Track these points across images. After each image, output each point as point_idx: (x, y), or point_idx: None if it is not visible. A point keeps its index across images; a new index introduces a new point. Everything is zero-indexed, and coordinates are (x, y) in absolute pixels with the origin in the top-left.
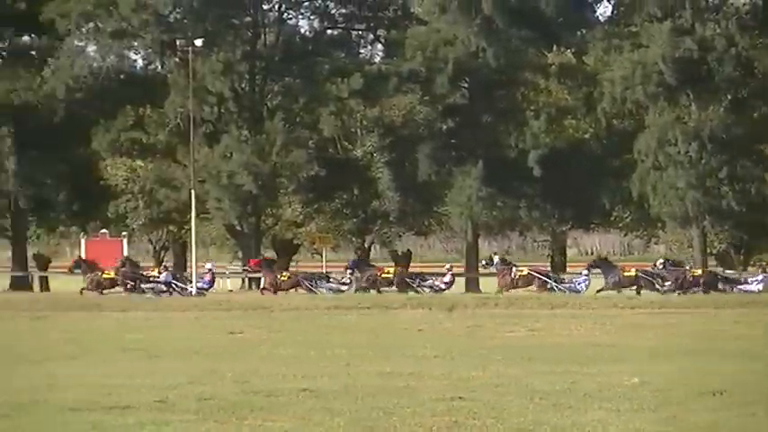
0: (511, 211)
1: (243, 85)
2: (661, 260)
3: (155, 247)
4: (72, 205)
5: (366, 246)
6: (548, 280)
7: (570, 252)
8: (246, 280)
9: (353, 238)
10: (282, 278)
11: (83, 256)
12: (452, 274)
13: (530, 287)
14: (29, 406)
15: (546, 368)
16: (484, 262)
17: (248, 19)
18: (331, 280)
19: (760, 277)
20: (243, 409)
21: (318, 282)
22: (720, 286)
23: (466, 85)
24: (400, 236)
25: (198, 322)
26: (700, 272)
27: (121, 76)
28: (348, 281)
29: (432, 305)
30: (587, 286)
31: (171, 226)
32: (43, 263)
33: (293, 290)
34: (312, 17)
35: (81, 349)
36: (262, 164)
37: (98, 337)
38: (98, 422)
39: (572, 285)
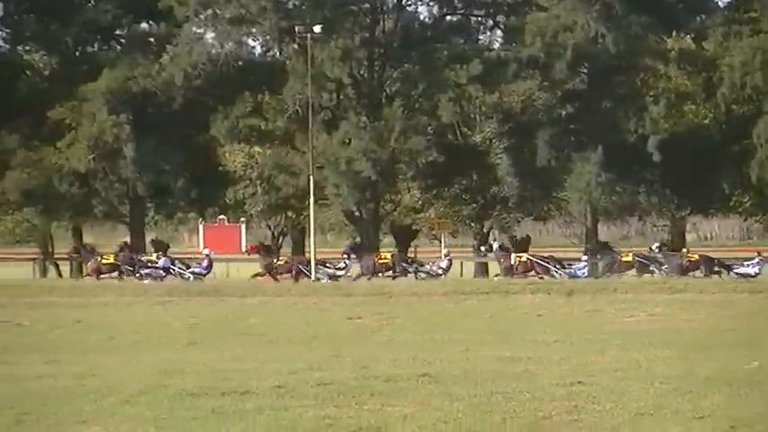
0: (630, 197)
1: (361, 72)
2: (657, 244)
3: (273, 233)
4: (190, 192)
5: (485, 231)
6: (548, 266)
7: (689, 237)
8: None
9: (472, 224)
10: (279, 263)
11: (202, 242)
12: (450, 259)
13: (530, 273)
14: (150, 390)
15: (666, 353)
16: (483, 249)
17: (367, 5)
18: (327, 265)
19: (756, 260)
20: (362, 394)
21: (317, 267)
22: (717, 270)
23: (585, 71)
24: (519, 221)
25: (316, 308)
26: (696, 256)
27: (239, 63)
28: (344, 266)
29: (551, 290)
30: (589, 272)
31: (289, 212)
32: (162, 249)
33: (288, 275)
34: (431, 3)
35: (199, 335)
36: (380, 150)
37: (216, 323)
38: (217, 407)
39: (572, 272)
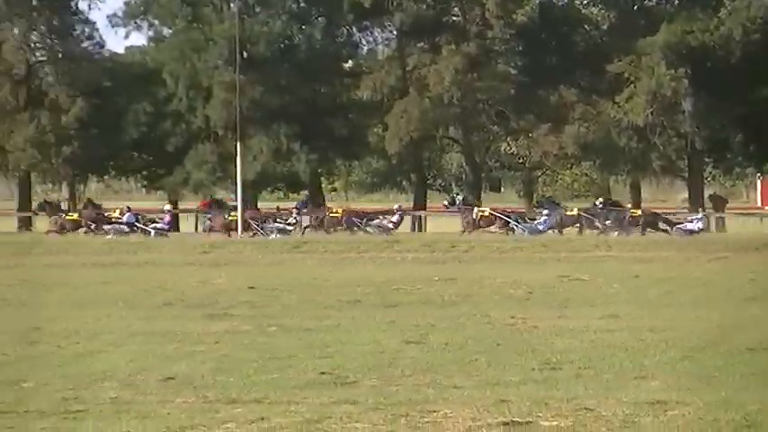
0: None
1: None
2: (600, 200)
3: None
4: (749, 146)
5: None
6: (509, 220)
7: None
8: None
9: None
10: (232, 218)
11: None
12: (401, 214)
13: (491, 227)
14: (708, 346)
15: None
16: (446, 202)
17: None
18: (278, 221)
19: (699, 215)
20: None
21: (266, 222)
22: (661, 226)
23: None
24: None
25: None
26: (639, 212)
27: None
28: (294, 221)
29: None
30: (548, 227)
31: None
32: (720, 204)
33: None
34: None
35: (760, 290)
36: None
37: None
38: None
39: (532, 226)
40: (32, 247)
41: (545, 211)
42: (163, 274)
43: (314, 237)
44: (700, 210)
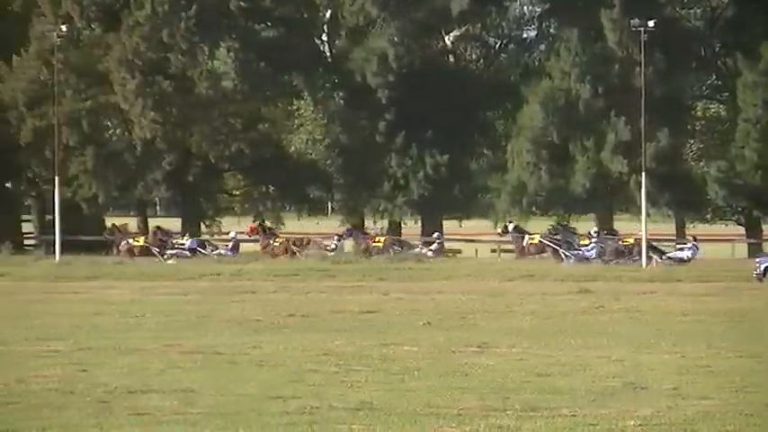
0: None
1: None
2: (595, 228)
3: None
4: None
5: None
6: (557, 248)
7: None
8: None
9: None
10: (275, 243)
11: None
12: (440, 243)
13: (542, 254)
14: None
15: None
16: (500, 230)
17: None
18: (321, 246)
19: (689, 245)
20: None
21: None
22: (651, 255)
23: None
24: None
25: None
26: (632, 240)
27: None
28: (334, 246)
29: None
30: (597, 254)
31: None
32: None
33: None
34: None
35: None
36: None
37: None
38: None
39: (580, 253)
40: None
41: (593, 240)
42: None
43: None
44: (690, 238)
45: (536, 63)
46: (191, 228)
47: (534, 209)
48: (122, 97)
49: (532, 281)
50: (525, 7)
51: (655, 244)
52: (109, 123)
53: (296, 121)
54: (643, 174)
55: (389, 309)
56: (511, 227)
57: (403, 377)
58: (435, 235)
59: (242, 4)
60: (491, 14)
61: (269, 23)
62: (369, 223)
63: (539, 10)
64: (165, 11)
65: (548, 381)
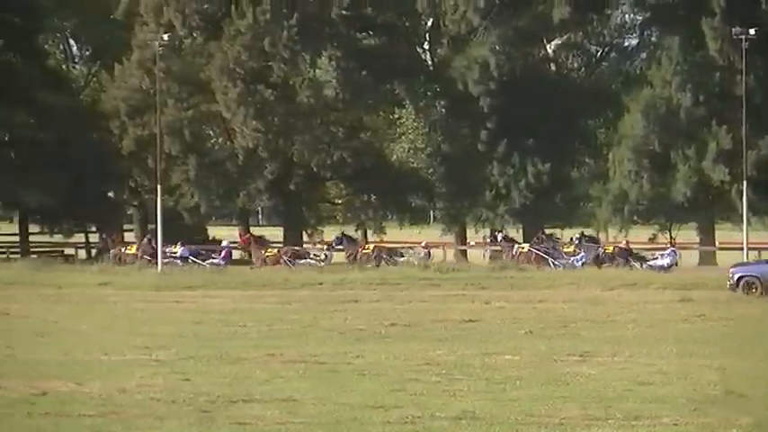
0: None
1: None
2: (577, 235)
3: None
4: None
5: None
6: (545, 257)
7: None
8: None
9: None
10: (268, 254)
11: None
12: (429, 250)
13: (529, 263)
14: None
15: None
16: (489, 239)
17: None
18: (312, 256)
19: (668, 251)
20: None
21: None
22: (631, 262)
23: None
24: None
25: None
26: (612, 248)
27: None
28: (324, 256)
29: None
30: (584, 263)
31: None
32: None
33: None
34: None
35: None
36: None
37: None
38: None
39: (568, 262)
40: None
41: (583, 251)
42: None
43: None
44: (669, 245)
45: (637, 71)
46: (292, 236)
47: (635, 218)
48: (224, 106)
49: (634, 289)
50: (626, 15)
51: (636, 251)
52: (211, 132)
53: (398, 129)
54: (744, 182)
55: (491, 318)
56: (500, 236)
57: (504, 386)
58: (423, 243)
59: (344, 12)
60: (592, 22)
61: (371, 32)
62: (470, 232)
63: (640, 18)
64: (267, 19)
65: (649, 389)
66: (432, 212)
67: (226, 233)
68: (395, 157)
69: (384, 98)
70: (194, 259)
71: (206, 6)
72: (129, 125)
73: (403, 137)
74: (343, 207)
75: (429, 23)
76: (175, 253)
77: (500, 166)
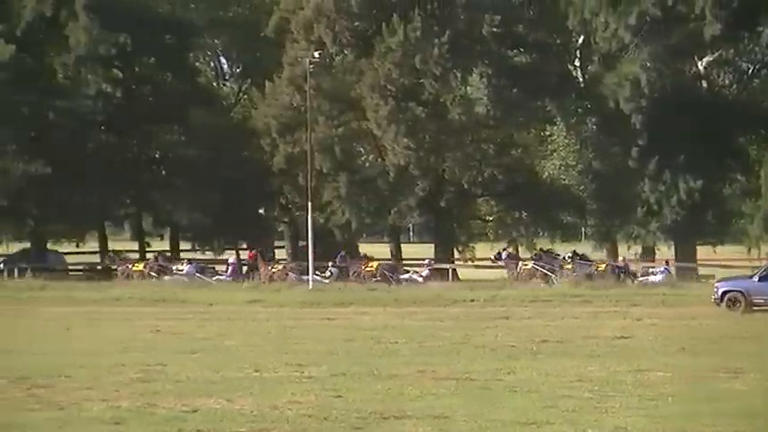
0: None
1: None
2: (569, 253)
3: None
4: None
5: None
6: (550, 274)
7: None
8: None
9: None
10: (274, 270)
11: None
12: (431, 269)
13: (533, 279)
14: None
15: None
16: (493, 256)
17: None
18: (316, 272)
19: (661, 269)
20: None
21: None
22: (622, 278)
23: None
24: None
25: None
26: (604, 266)
27: None
28: (329, 273)
29: None
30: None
31: None
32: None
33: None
34: None
35: None
36: None
37: None
38: None
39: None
40: None
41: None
42: None
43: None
44: (663, 262)
45: None
46: (443, 253)
47: None
48: (375, 123)
49: None
50: None
51: (628, 267)
52: (361, 149)
53: (549, 146)
54: None
55: (642, 334)
56: (504, 254)
57: (657, 403)
58: (426, 261)
59: (495, 29)
60: (744, 39)
61: (521, 49)
62: (622, 249)
63: None
64: (418, 37)
65: None
66: (583, 229)
67: (377, 250)
68: (546, 173)
69: (535, 115)
70: (201, 276)
71: (357, 24)
72: (279, 142)
73: (554, 153)
74: (495, 224)
75: (580, 41)
76: (182, 270)
77: (651, 183)
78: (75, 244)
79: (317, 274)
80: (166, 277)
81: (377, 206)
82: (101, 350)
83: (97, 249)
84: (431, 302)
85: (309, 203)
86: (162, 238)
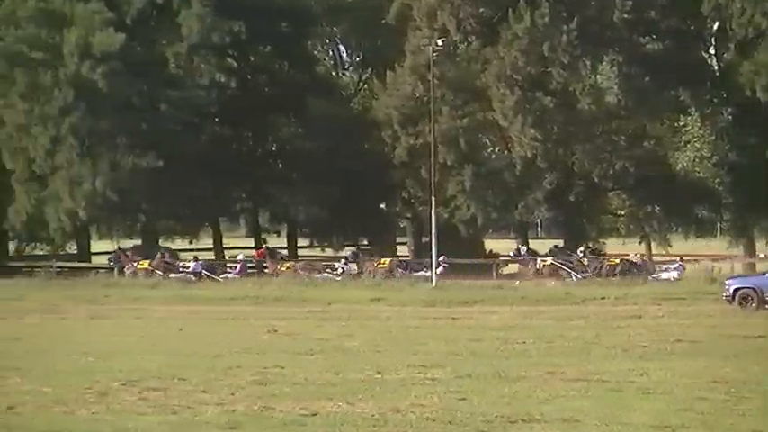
0: None
1: None
2: (582, 248)
3: None
4: None
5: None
6: (569, 270)
7: None
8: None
9: None
10: (284, 267)
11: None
12: (445, 265)
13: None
14: None
15: None
16: (512, 253)
17: None
18: (327, 270)
19: (675, 265)
20: None
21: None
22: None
23: None
24: None
25: None
26: (617, 261)
27: None
28: (341, 270)
29: None
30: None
31: None
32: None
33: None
34: None
35: None
36: None
37: None
38: None
39: (588, 273)
40: None
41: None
42: None
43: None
44: (677, 259)
45: None
46: (570, 249)
47: None
48: (501, 114)
49: None
50: None
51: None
52: (487, 141)
53: (682, 137)
54: None
55: None
56: (523, 250)
57: None
58: (441, 258)
59: (626, 16)
60: None
61: (654, 36)
62: (759, 245)
63: None
64: (546, 23)
65: None
66: (718, 224)
67: (501, 245)
68: (680, 166)
69: (668, 105)
70: (208, 273)
71: (482, 10)
72: (401, 134)
73: (688, 145)
74: (626, 219)
75: (715, 27)
76: (188, 268)
77: None
78: (188, 240)
79: (329, 272)
80: (172, 275)
81: (503, 200)
82: (215, 351)
83: (211, 246)
84: (560, 301)
85: (433, 198)
86: (279, 234)
